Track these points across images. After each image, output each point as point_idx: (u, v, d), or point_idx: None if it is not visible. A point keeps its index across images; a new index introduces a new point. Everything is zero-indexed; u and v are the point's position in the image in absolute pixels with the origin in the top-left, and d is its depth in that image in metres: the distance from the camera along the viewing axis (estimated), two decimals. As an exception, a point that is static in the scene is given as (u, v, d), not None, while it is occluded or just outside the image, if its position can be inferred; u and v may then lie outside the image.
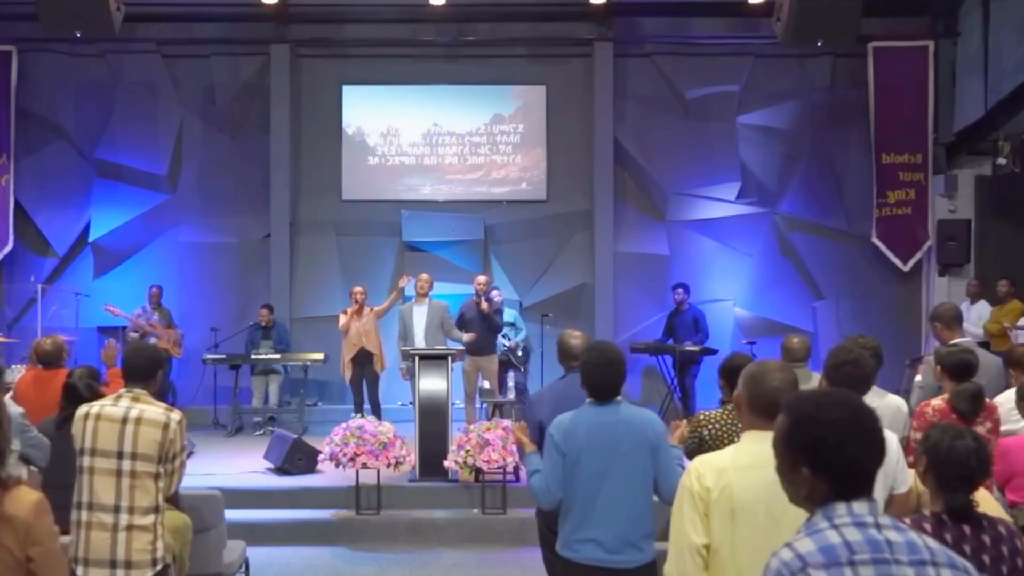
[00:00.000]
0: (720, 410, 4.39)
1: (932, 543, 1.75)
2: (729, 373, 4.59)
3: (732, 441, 4.22)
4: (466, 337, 8.63)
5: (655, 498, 3.49)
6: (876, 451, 1.78)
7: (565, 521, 3.50)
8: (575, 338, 4.35)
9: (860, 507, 1.75)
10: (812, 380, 4.63)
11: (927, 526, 2.56)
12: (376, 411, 9.18)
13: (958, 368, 4.33)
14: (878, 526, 1.73)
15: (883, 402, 4.12)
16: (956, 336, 5.16)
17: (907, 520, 2.54)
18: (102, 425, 3.59)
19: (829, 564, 1.67)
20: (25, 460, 4.70)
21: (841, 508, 1.75)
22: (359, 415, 8.05)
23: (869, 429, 1.78)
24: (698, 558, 2.52)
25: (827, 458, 1.76)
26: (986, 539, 2.55)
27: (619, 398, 3.57)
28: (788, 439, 1.82)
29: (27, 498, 2.49)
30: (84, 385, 4.58)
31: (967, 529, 2.56)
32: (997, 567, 2.53)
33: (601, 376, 3.54)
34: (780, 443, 1.84)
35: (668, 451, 3.52)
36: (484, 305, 8.82)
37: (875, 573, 1.67)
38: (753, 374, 2.68)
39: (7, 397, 4.81)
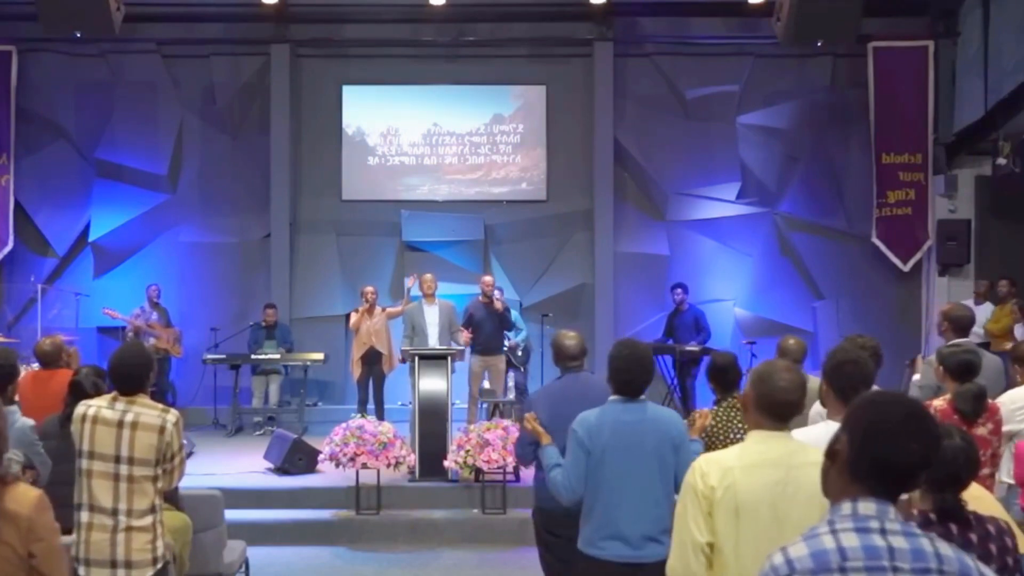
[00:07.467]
0: (714, 409, 4.39)
1: (944, 550, 1.70)
2: (717, 372, 4.61)
3: (728, 440, 4.23)
4: (463, 337, 8.62)
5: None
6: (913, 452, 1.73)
7: (588, 519, 3.45)
8: (570, 339, 4.35)
9: (867, 508, 1.71)
10: (809, 382, 4.61)
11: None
12: (379, 411, 9.19)
13: (960, 368, 4.28)
14: (883, 531, 1.69)
15: None
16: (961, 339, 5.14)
17: None
18: (99, 429, 3.59)
19: (818, 570, 1.65)
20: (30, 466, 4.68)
21: (846, 508, 1.72)
22: (362, 414, 8.04)
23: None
24: (701, 556, 2.53)
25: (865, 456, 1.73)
26: (973, 537, 2.51)
27: (643, 397, 3.54)
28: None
29: (28, 494, 2.50)
30: (90, 383, 4.57)
31: (953, 528, 2.53)
32: (986, 565, 2.50)
33: (631, 373, 3.51)
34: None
35: (689, 448, 3.50)
36: (498, 304, 8.82)
37: None
38: (760, 374, 2.68)
39: (16, 406, 4.79)
